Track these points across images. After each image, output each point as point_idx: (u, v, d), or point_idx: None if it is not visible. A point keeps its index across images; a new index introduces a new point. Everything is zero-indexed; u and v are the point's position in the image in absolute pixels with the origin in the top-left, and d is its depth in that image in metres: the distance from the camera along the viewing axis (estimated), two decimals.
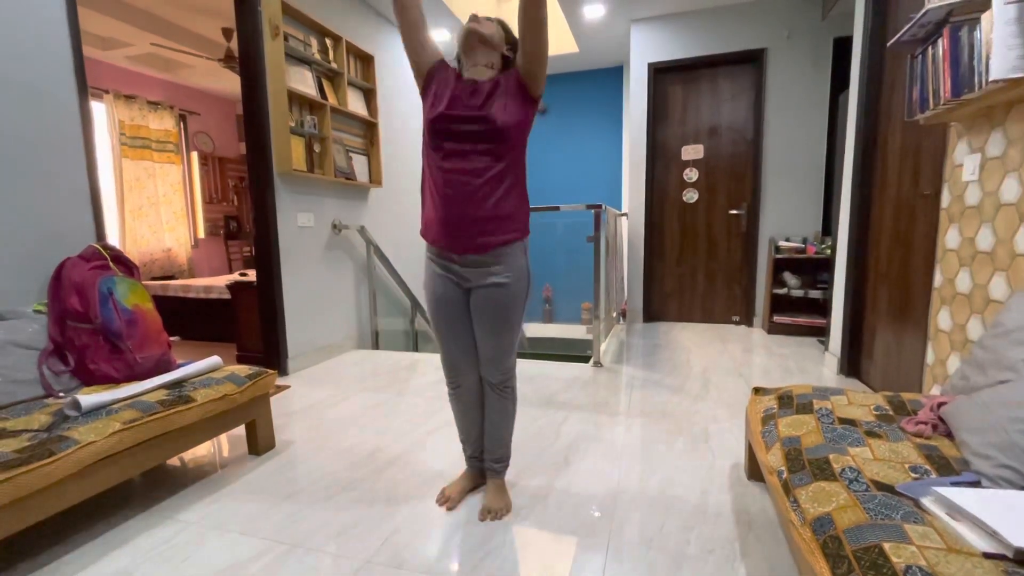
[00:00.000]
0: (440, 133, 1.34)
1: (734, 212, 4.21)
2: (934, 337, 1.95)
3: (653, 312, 4.52)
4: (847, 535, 0.84)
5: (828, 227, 3.87)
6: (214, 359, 1.87)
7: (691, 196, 4.32)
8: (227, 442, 2.08)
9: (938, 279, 1.94)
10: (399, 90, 4.23)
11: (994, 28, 1.32)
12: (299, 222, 3.13)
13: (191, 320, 4.21)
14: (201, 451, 2.00)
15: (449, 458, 1.87)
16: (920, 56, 1.72)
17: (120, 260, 1.91)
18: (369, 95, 3.71)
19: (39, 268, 1.82)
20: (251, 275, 3.71)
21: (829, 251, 3.60)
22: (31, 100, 1.81)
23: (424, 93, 1.41)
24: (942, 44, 1.56)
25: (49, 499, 1.24)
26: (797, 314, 3.88)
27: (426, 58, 1.41)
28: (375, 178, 3.78)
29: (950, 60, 1.53)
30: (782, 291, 3.89)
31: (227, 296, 3.72)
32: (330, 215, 3.42)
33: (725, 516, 1.47)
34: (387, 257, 3.89)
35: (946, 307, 1.87)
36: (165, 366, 1.83)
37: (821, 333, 3.64)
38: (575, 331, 5.10)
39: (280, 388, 2.75)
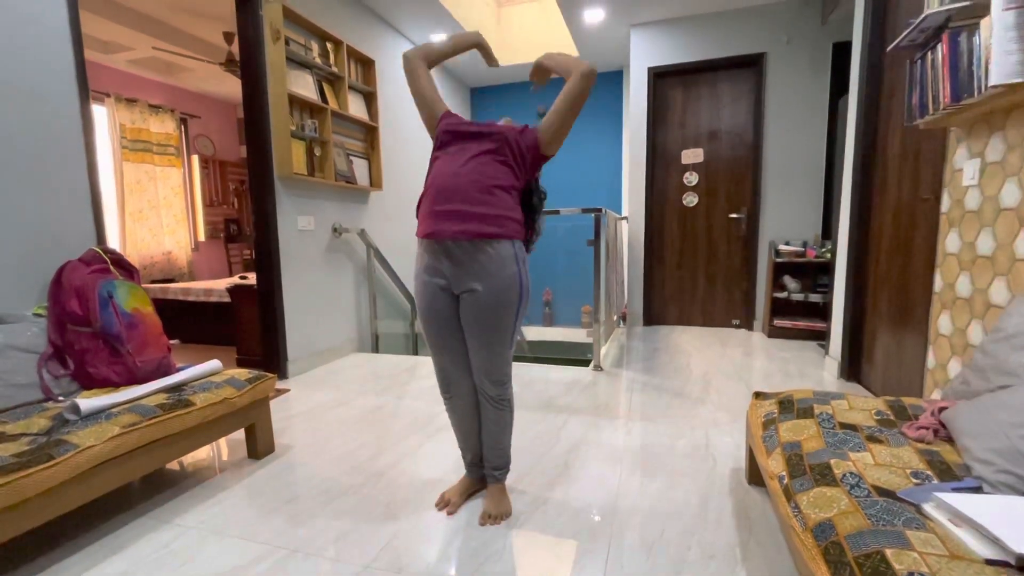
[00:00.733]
0: (448, 134, 1.44)
1: (734, 216, 4.21)
2: (935, 341, 1.95)
3: (653, 316, 4.52)
4: (848, 541, 0.84)
5: (828, 231, 3.87)
6: (214, 363, 1.87)
7: (691, 200, 4.33)
8: (226, 446, 2.07)
9: (938, 283, 1.94)
10: (400, 94, 4.24)
11: (993, 33, 1.32)
12: (299, 225, 3.13)
13: (191, 323, 4.21)
14: (200, 455, 1.99)
15: (449, 462, 1.87)
16: (919, 61, 1.73)
17: (120, 263, 1.91)
18: (370, 99, 3.72)
19: (39, 271, 1.82)
20: (251, 278, 3.71)
21: (829, 255, 3.60)
22: (32, 104, 1.82)
23: (435, 134, 1.52)
24: (941, 49, 1.57)
25: (48, 503, 1.24)
26: (797, 318, 3.88)
27: (436, 111, 1.53)
28: (375, 182, 3.78)
29: (949, 65, 1.54)
30: (782, 295, 3.89)
31: (227, 299, 3.72)
32: (330, 218, 3.43)
33: (726, 521, 1.47)
34: (387, 260, 3.89)
35: (946, 311, 1.87)
36: (165, 370, 1.83)
37: (821, 337, 3.63)
38: (575, 335, 5.10)
39: (280, 392, 2.75)
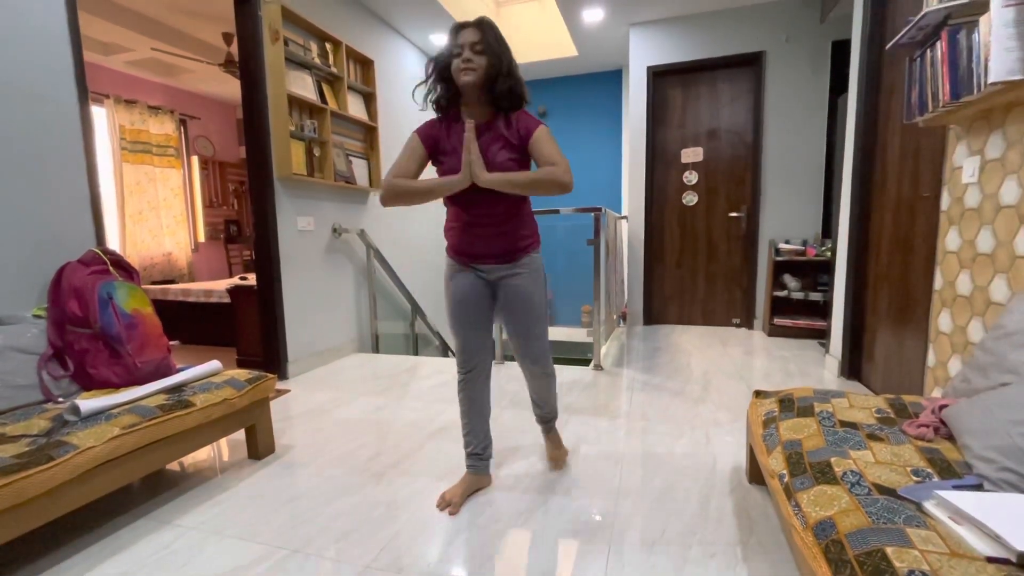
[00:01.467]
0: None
1: (734, 215, 4.21)
2: (935, 339, 1.95)
3: (653, 315, 4.52)
4: (849, 539, 0.84)
5: (828, 229, 3.87)
6: (214, 363, 1.87)
7: (691, 199, 4.33)
8: (227, 447, 2.07)
9: (938, 281, 1.94)
10: (399, 94, 4.24)
11: (992, 31, 1.32)
12: (299, 226, 3.13)
13: (191, 324, 4.21)
14: (201, 456, 1.99)
15: (449, 462, 1.87)
16: (918, 59, 1.73)
17: (120, 264, 1.91)
18: (369, 99, 3.72)
19: (39, 273, 1.82)
20: (251, 279, 3.71)
21: (829, 253, 3.60)
22: (32, 105, 1.81)
23: (435, 161, 1.53)
24: (940, 47, 1.56)
25: (48, 504, 1.24)
26: (797, 316, 3.88)
27: (419, 172, 1.51)
28: (375, 182, 3.78)
29: (948, 63, 1.53)
30: (782, 293, 3.88)
31: (227, 300, 3.72)
32: (330, 219, 3.43)
33: (727, 520, 1.46)
34: (387, 261, 3.89)
35: (947, 309, 1.87)
36: (165, 370, 1.83)
37: (822, 335, 3.63)
38: (576, 334, 5.09)
39: (280, 392, 2.75)
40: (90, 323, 1.71)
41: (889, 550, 0.78)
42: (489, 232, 1.51)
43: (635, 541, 1.38)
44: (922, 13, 1.60)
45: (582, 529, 1.44)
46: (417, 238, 4.57)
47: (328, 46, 3.32)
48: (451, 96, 1.47)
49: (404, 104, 4.33)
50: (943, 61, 1.56)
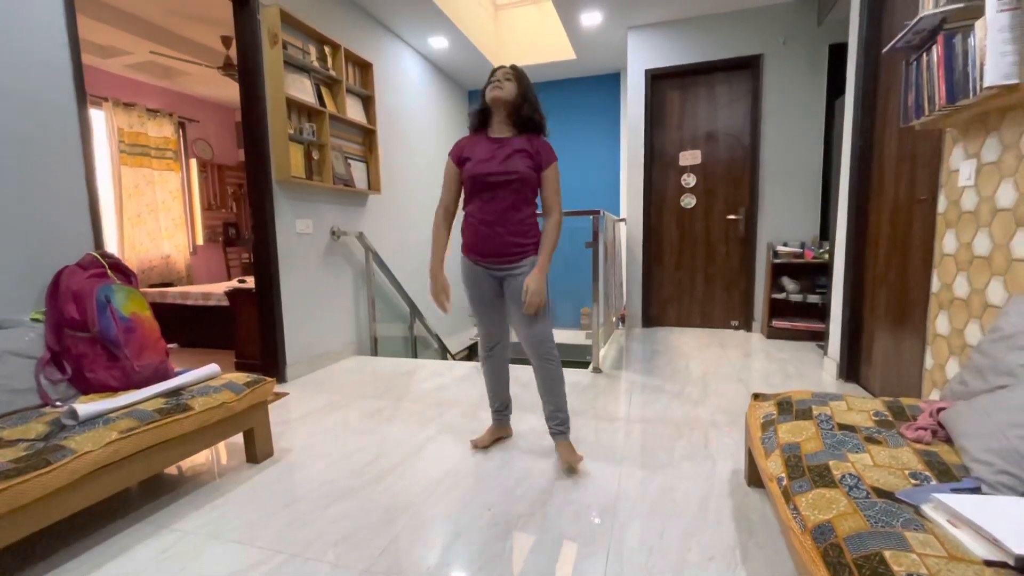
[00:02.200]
0: (477, 184, 1.74)
1: (732, 217, 4.22)
2: (932, 342, 1.96)
3: (652, 317, 4.52)
4: (847, 543, 0.84)
5: (826, 232, 3.88)
6: (212, 367, 1.86)
7: (689, 201, 4.34)
8: (225, 450, 2.07)
9: (936, 284, 1.95)
10: (398, 97, 4.25)
11: (988, 35, 1.33)
12: (298, 229, 3.13)
13: (189, 327, 4.21)
14: (199, 459, 1.99)
15: (449, 464, 1.87)
16: (915, 62, 1.74)
17: (118, 268, 1.91)
18: (368, 102, 3.72)
19: (37, 276, 1.82)
20: (250, 282, 3.70)
21: (827, 256, 3.61)
22: (30, 108, 1.81)
23: (460, 165, 1.82)
24: (936, 51, 1.57)
25: (46, 509, 1.24)
26: (796, 319, 3.88)
27: (453, 176, 1.86)
28: (374, 185, 3.78)
29: (944, 67, 1.54)
30: (781, 296, 3.89)
31: (226, 303, 3.71)
32: (329, 222, 3.43)
33: (725, 523, 1.46)
34: (386, 263, 3.89)
35: (944, 312, 1.88)
36: (163, 374, 1.82)
37: (820, 338, 3.64)
38: (574, 336, 5.09)
39: (279, 395, 2.75)
40: (88, 327, 1.70)
41: (887, 554, 0.78)
42: (500, 233, 1.75)
43: (634, 544, 1.38)
44: (918, 17, 1.61)
45: (581, 532, 1.44)
46: (415, 240, 4.58)
47: (327, 49, 3.32)
48: (482, 113, 1.81)
49: (403, 107, 4.34)
50: (939, 65, 1.56)
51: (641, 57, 4.26)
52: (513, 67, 1.78)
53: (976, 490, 0.96)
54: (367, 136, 3.76)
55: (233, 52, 4.11)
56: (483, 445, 1.99)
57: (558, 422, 1.83)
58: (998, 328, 1.30)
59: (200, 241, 5.75)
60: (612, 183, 5.47)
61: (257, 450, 1.91)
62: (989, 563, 0.75)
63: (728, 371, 3.03)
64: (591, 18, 4.06)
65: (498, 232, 1.75)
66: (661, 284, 4.50)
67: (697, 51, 4.11)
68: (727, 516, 1.50)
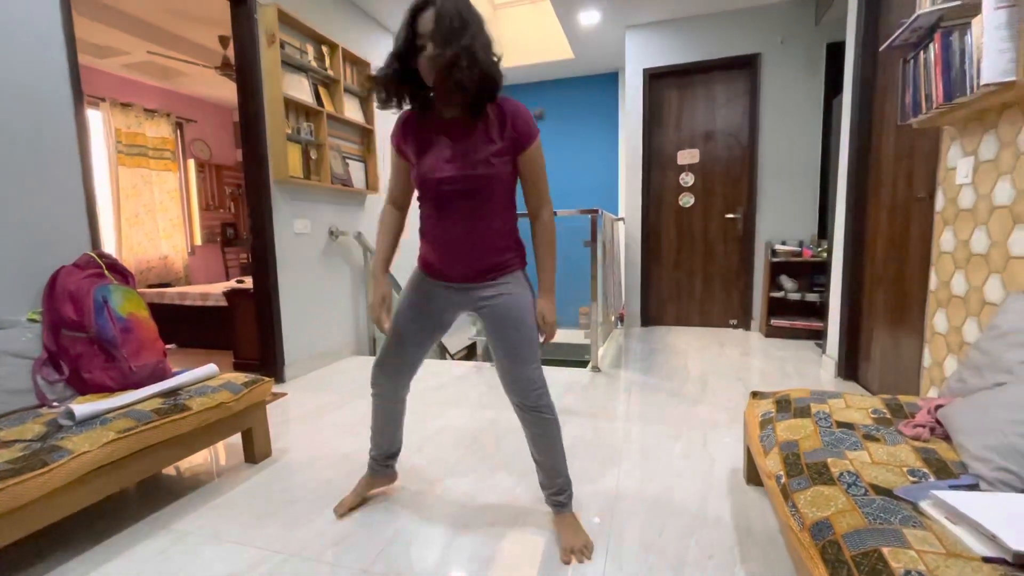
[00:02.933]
0: (428, 192, 1.31)
1: (730, 216, 4.22)
2: (930, 340, 1.96)
3: (651, 316, 4.53)
4: (846, 540, 0.84)
5: (824, 230, 3.88)
6: (210, 367, 1.86)
7: (687, 200, 4.34)
8: (223, 450, 2.06)
9: (933, 282, 1.95)
10: None
11: (985, 32, 1.33)
12: (296, 229, 3.12)
13: (188, 327, 4.19)
14: (197, 460, 1.99)
15: (448, 464, 1.86)
16: (912, 60, 1.74)
17: (115, 268, 1.91)
18: (366, 102, 3.72)
19: (34, 276, 1.81)
20: (248, 282, 3.70)
21: (825, 254, 3.61)
22: (27, 108, 1.81)
23: (402, 154, 1.38)
24: (934, 49, 1.57)
25: (43, 510, 1.23)
26: (794, 317, 3.89)
27: (402, 172, 1.41)
28: (372, 184, 3.78)
29: (942, 64, 1.54)
30: (779, 294, 3.89)
31: (224, 303, 3.71)
32: (327, 221, 3.42)
33: (724, 521, 1.46)
34: None
35: (942, 309, 1.88)
36: (160, 374, 1.82)
37: (818, 336, 3.64)
38: (573, 336, 5.09)
39: (277, 395, 2.74)
40: (85, 327, 1.70)
41: (886, 550, 0.78)
42: (470, 250, 1.32)
43: (633, 542, 1.38)
44: (915, 15, 1.61)
45: None
46: (413, 240, 4.56)
47: (324, 49, 3.32)
48: (406, 85, 1.30)
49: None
50: (936, 63, 1.57)
51: (639, 56, 4.26)
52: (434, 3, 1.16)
53: (974, 487, 0.96)
54: (365, 136, 3.75)
55: (231, 52, 4.09)
56: (342, 509, 1.54)
57: (556, 490, 1.40)
58: (996, 325, 1.30)
59: (198, 241, 5.73)
60: (610, 182, 5.47)
61: (255, 450, 1.91)
62: (987, 560, 0.75)
63: (727, 370, 3.03)
64: (589, 17, 4.06)
65: (467, 250, 1.32)
66: (660, 283, 4.50)
67: (695, 50, 4.11)
68: (726, 514, 1.50)
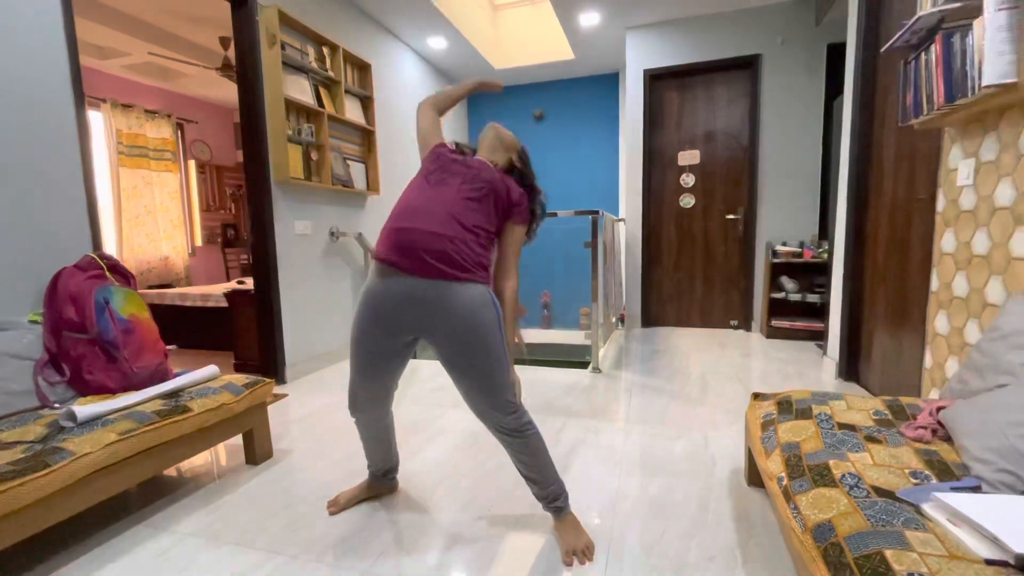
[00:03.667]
0: (435, 164, 1.40)
1: (731, 217, 4.22)
2: (932, 341, 1.96)
3: (651, 317, 4.52)
4: (848, 542, 0.84)
5: (825, 231, 3.88)
6: (211, 368, 1.86)
7: (688, 201, 4.34)
8: (224, 452, 2.06)
9: (935, 283, 1.95)
10: (396, 98, 4.25)
11: (986, 34, 1.33)
12: (296, 230, 3.13)
13: (188, 329, 4.19)
14: (198, 461, 1.99)
15: (448, 465, 1.86)
16: (913, 62, 1.74)
17: (116, 269, 1.91)
18: (366, 103, 3.72)
19: (35, 278, 1.81)
20: (249, 283, 3.70)
21: (826, 255, 3.61)
22: (28, 109, 1.81)
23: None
24: (935, 50, 1.58)
25: (44, 511, 1.23)
26: (795, 318, 3.88)
27: (430, 142, 1.53)
28: (372, 185, 3.78)
29: (943, 66, 1.54)
30: (780, 295, 3.89)
31: (224, 304, 3.70)
32: (328, 223, 3.42)
33: (726, 523, 1.46)
34: None
35: (943, 311, 1.88)
36: (162, 376, 1.82)
37: (819, 337, 3.64)
38: (574, 337, 5.09)
39: (278, 397, 2.74)
40: (86, 328, 1.70)
41: (888, 553, 0.78)
42: (441, 224, 1.25)
43: (634, 544, 1.37)
44: (916, 17, 1.61)
45: None
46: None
47: (325, 50, 3.32)
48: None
49: (401, 107, 4.33)
50: (937, 64, 1.57)
51: (639, 57, 4.26)
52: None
53: (976, 489, 0.96)
54: (366, 137, 3.75)
55: (231, 53, 4.10)
56: (335, 508, 1.56)
57: (550, 498, 1.38)
58: (997, 327, 1.30)
59: (199, 242, 5.74)
60: (611, 183, 5.47)
61: (256, 451, 1.91)
62: (990, 562, 0.75)
63: (727, 371, 3.03)
64: (589, 18, 4.06)
65: (435, 213, 1.26)
66: (660, 284, 4.50)
67: (695, 51, 4.11)
68: (727, 516, 1.50)
